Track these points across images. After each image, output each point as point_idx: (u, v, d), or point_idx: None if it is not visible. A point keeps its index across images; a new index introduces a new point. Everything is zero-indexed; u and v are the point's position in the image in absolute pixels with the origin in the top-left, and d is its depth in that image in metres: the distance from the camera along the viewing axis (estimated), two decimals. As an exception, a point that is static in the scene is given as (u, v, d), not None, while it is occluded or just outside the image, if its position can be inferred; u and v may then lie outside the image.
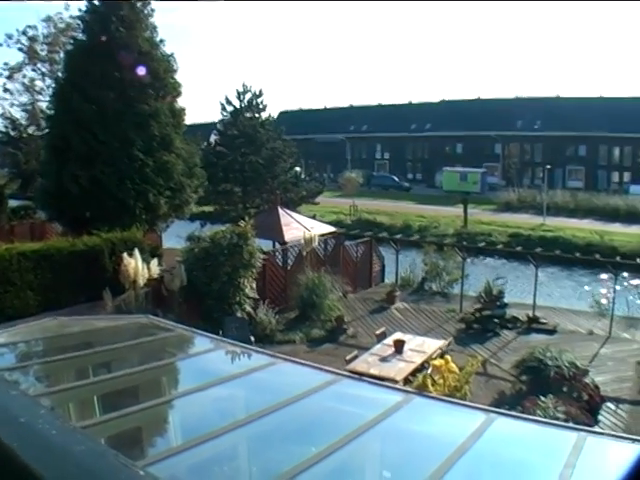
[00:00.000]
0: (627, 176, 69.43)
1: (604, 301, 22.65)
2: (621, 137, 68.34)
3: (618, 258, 23.33)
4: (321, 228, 23.80)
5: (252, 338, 16.50)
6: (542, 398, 12.49)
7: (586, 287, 30.23)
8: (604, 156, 73.41)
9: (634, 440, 5.74)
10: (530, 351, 15.09)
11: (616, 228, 47.75)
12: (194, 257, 17.95)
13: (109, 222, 20.33)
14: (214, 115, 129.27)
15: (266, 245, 22.16)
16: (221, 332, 15.10)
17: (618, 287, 21.59)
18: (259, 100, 43.18)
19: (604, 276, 24.50)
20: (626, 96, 71.74)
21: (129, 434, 5.37)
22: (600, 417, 13.67)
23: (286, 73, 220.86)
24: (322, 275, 20.47)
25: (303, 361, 7.61)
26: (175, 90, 25.38)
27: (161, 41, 25.00)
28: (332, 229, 25.05)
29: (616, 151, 73.03)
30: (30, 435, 1.27)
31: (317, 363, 7.80)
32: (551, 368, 13.97)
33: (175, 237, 30.39)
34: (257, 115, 43.36)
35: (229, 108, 43.33)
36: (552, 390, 13.14)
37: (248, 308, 18.28)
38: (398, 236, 30.26)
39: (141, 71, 23.01)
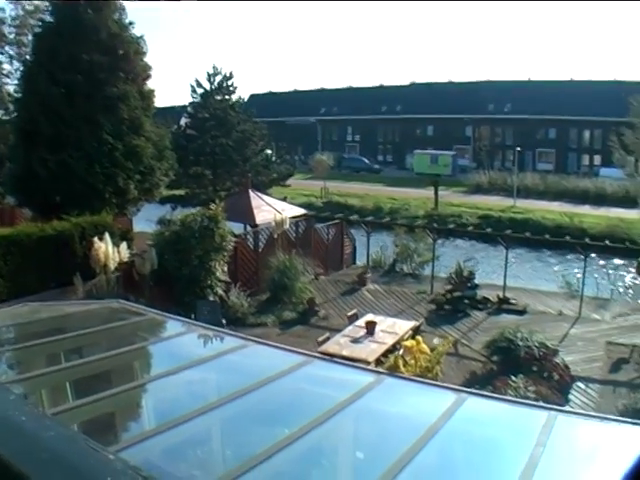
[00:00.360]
0: (597, 159, 70.05)
1: (575, 282, 22.89)
2: (591, 120, 68.97)
3: (587, 240, 23.54)
4: (292, 211, 23.77)
5: (224, 321, 16.50)
6: (513, 378, 12.63)
7: (555, 268, 30.63)
8: (574, 139, 74.20)
9: (603, 419, 5.82)
10: (500, 331, 15.21)
11: (586, 210, 48.25)
12: (165, 241, 17.85)
13: (79, 206, 20.11)
14: (184, 98, 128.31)
15: (237, 228, 22.08)
16: (193, 316, 15.10)
17: (587, 268, 21.83)
18: (229, 82, 42.94)
19: (573, 257, 24.77)
20: (596, 79, 72.45)
21: (102, 419, 5.35)
22: (570, 396, 13.84)
23: (257, 56, 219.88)
24: (293, 257, 20.47)
25: (275, 343, 7.62)
26: (145, 72, 25.08)
27: (130, 23, 24.65)
28: (303, 211, 25.05)
29: (586, 134, 73.80)
30: (-1, 422, 1.27)
31: (289, 345, 7.82)
32: (521, 348, 14.09)
33: (146, 221, 30.18)
34: (227, 97, 43.13)
35: (199, 91, 43.04)
36: (522, 370, 13.28)
37: (220, 291, 18.24)
38: (369, 218, 30.42)
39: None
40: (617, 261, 30.58)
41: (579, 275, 22.22)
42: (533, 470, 4.36)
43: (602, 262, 28.84)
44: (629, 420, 6.31)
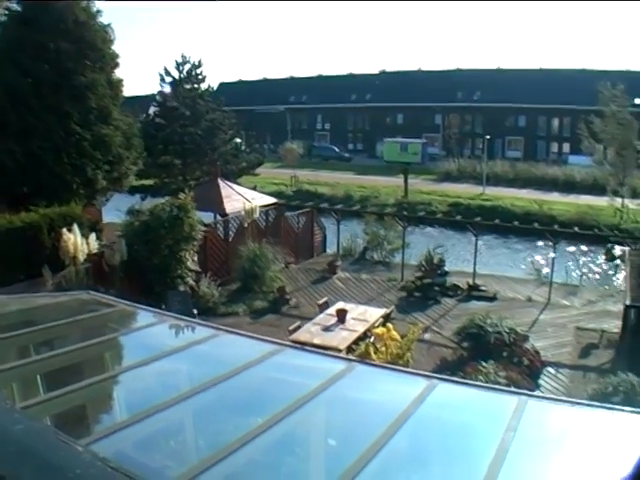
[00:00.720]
0: (566, 147, 70.71)
1: (544, 269, 23.11)
2: (560, 108, 69.69)
3: (556, 227, 23.76)
4: (262, 199, 23.73)
5: (195, 311, 16.45)
6: (483, 364, 12.73)
7: (525, 256, 30.86)
8: (543, 127, 74.97)
9: (574, 403, 5.89)
10: (471, 318, 15.29)
11: (555, 197, 48.85)
12: (134, 231, 17.71)
13: (47, 198, 19.93)
14: (153, 87, 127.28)
15: (207, 217, 22.01)
16: (163, 306, 15.04)
17: (556, 255, 22.04)
18: (198, 71, 42.78)
19: (542, 244, 25.00)
20: (565, 68, 73.05)
21: (73, 412, 5.31)
22: (541, 381, 14.01)
23: (226, 44, 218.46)
24: (264, 246, 20.44)
25: (246, 332, 7.62)
26: (113, 61, 24.83)
27: (98, 11, 24.37)
28: (273, 200, 24.99)
29: (555, 122, 74.60)
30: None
31: (260, 334, 7.81)
32: (491, 334, 14.19)
33: (115, 211, 29.96)
34: (196, 86, 42.98)
35: (168, 79, 42.81)
36: (493, 356, 13.39)
37: (190, 281, 18.17)
38: (339, 206, 30.42)
39: None
40: (586, 248, 30.91)
41: (548, 262, 22.39)
42: (504, 454, 4.41)
43: (571, 249, 29.12)
44: (599, 404, 6.40)
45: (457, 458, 4.84)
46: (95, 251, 16.88)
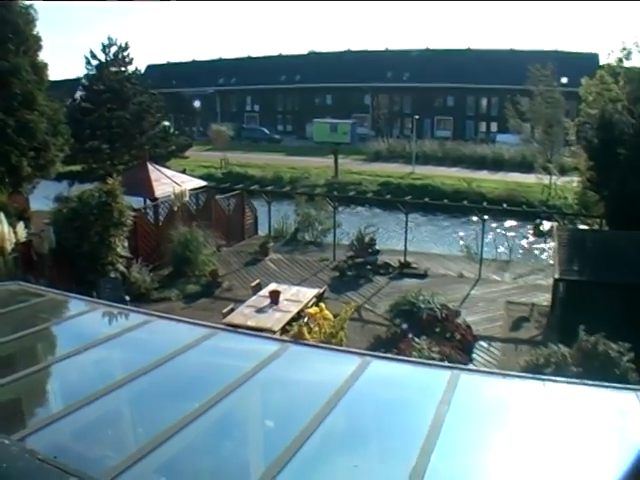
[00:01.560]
0: (494, 126, 71.78)
1: (474, 245, 23.49)
2: (489, 88, 70.75)
3: (485, 204, 24.16)
4: (192, 183, 23.52)
5: (127, 298, 16.28)
6: (416, 340, 12.90)
7: (455, 233, 31.34)
8: (472, 106, 76.19)
9: (506, 375, 6.04)
10: (403, 295, 15.51)
11: (483, 175, 49.73)
12: (63, 218, 17.38)
13: (-29, 187, 19.46)
14: (79, 70, 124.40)
15: (137, 202, 21.67)
16: (95, 294, 14.83)
17: (486, 231, 22.43)
18: (125, 53, 42.04)
19: (472, 221, 25.41)
20: (493, 48, 74.20)
21: (5, 406, 5.23)
22: (474, 355, 14.32)
23: (153, 25, 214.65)
24: (195, 230, 20.30)
25: (178, 317, 7.61)
26: (36, 44, 24.19)
27: (19, -9, 23.71)
28: (203, 183, 24.77)
29: (484, 102, 75.74)
30: None
31: (194, 318, 7.81)
32: (424, 311, 14.41)
33: (43, 198, 29.29)
34: (123, 69, 42.27)
35: (94, 62, 41.90)
36: (426, 332, 13.58)
37: (121, 268, 17.94)
38: (270, 188, 30.32)
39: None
40: (515, 224, 31.57)
41: (478, 238, 22.75)
42: (439, 428, 4.52)
43: (500, 225, 29.69)
44: (531, 376, 6.60)
45: (393, 433, 4.93)
46: (23, 240, 16.52)
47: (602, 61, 32.29)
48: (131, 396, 5.29)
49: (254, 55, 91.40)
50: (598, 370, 10.27)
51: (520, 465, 4.36)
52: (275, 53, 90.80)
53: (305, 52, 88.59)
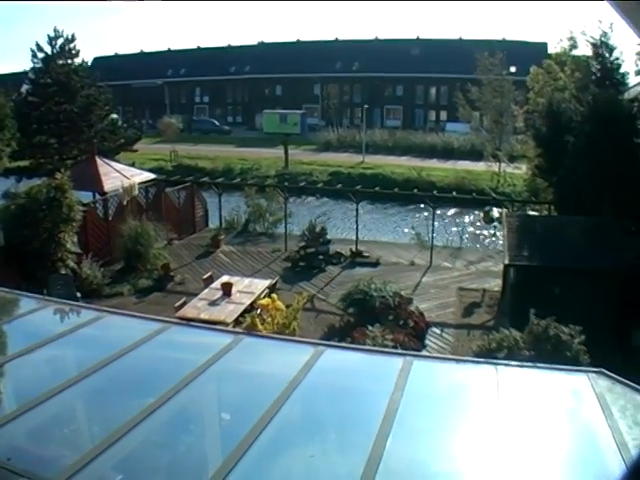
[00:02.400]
0: (444, 115, 72.42)
1: (425, 233, 23.64)
2: (438, 77, 71.33)
3: (435, 192, 24.32)
4: (141, 176, 23.24)
5: (78, 294, 16.11)
6: (370, 328, 12.95)
7: (406, 221, 31.53)
8: (421, 96, 76.73)
9: (459, 361, 6.11)
10: (355, 284, 15.56)
11: (434, 164, 49.98)
12: (11, 215, 17.09)
13: None
14: (25, 63, 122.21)
15: (86, 197, 21.35)
16: (45, 291, 14.64)
17: (437, 219, 22.61)
18: (72, 45, 41.19)
19: (422, 209, 25.56)
20: (442, 38, 74.65)
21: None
22: (427, 342, 14.46)
23: (100, 16, 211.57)
24: (145, 224, 20.09)
25: (130, 312, 7.57)
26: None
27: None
28: (152, 176, 24.51)
29: (433, 91, 76.29)
30: None
31: (147, 313, 7.78)
32: (376, 299, 14.49)
33: (-10, 195, 28.87)
34: (70, 61, 41.41)
35: (40, 55, 41.05)
36: (379, 320, 13.64)
37: (72, 264, 17.70)
38: (220, 180, 30.15)
39: None
40: (465, 211, 31.86)
41: (428, 226, 22.92)
42: (394, 414, 4.56)
43: (451, 212, 29.93)
44: (484, 360, 6.68)
45: (348, 422, 4.96)
46: (-30, 239, 16.24)
47: (550, 50, 32.65)
48: (85, 393, 5.24)
49: (203, 46, 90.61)
50: (550, 353, 10.45)
51: (475, 449, 4.41)
52: (224, 44, 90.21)
53: (254, 43, 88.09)
